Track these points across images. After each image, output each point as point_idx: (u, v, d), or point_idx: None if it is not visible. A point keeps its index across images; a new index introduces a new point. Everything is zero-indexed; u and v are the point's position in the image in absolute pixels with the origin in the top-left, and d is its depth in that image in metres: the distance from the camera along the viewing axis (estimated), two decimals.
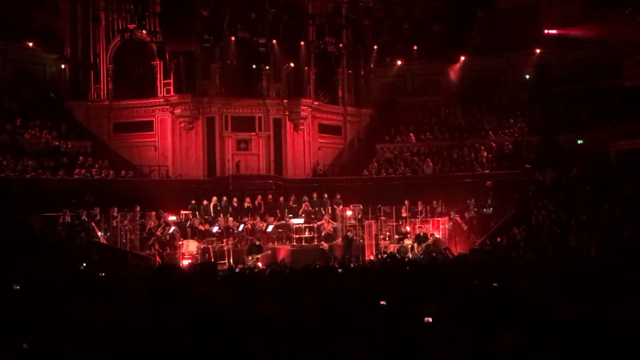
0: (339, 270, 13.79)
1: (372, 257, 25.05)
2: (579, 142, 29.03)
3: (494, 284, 10.48)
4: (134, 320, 4.44)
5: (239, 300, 5.34)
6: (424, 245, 25.15)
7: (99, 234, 23.65)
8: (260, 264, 22.65)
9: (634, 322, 5.70)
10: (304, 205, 27.86)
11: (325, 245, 25.57)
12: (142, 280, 9.22)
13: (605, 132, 27.93)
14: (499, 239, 24.16)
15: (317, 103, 34.01)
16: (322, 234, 26.30)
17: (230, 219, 26.77)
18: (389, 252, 23.89)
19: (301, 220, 26.87)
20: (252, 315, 4.85)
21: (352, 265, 18.52)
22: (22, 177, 24.98)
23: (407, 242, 25.81)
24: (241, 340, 3.78)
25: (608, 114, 28.99)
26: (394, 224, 27.22)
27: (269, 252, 24.72)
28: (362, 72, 36.18)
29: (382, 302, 7.24)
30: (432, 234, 26.30)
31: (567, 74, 33.87)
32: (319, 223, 27.00)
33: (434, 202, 27.71)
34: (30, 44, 31.39)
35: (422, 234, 25.77)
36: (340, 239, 26.40)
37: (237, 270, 18.19)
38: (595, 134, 28.42)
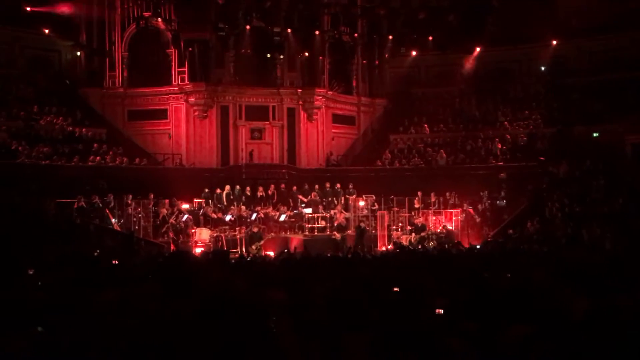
0: (351, 260, 13.80)
1: (384, 248, 25.07)
2: (594, 134, 28.84)
3: (507, 275, 10.46)
4: (147, 305, 4.47)
5: (252, 287, 5.36)
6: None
7: (113, 220, 23.79)
8: (272, 253, 22.74)
9: None
10: (312, 195, 27.89)
11: (337, 235, 25.61)
12: (155, 266, 9.27)
13: (620, 124, 27.73)
14: (510, 231, 24.09)
15: (331, 93, 33.96)
16: (335, 224, 26.33)
17: (243, 207, 26.84)
18: (397, 242, 24.02)
19: (309, 210, 26.92)
20: (264, 302, 4.88)
21: (362, 255, 18.52)
22: (37, 164, 25.15)
23: (426, 231, 25.88)
24: (256, 325, 3.81)
25: (623, 106, 28.76)
26: (407, 214, 27.21)
27: (270, 236, 24.83)
28: (377, 62, 36.05)
29: (395, 289, 7.24)
30: (444, 226, 26.29)
31: (583, 66, 33.60)
32: (332, 212, 27.03)
33: (447, 194, 27.65)
34: (46, 31, 31.50)
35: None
36: (352, 229, 26.41)
37: (248, 258, 18.31)
38: (610, 126, 28.23)
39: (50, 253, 12.60)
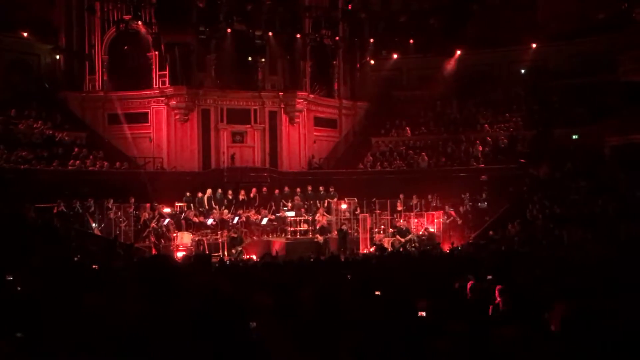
0: (333, 262, 13.81)
1: (366, 250, 25.11)
2: (574, 137, 29.11)
3: (488, 277, 10.53)
4: (129, 308, 4.43)
5: (236, 291, 5.34)
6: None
7: (94, 225, 23.60)
8: (254, 257, 22.69)
9: (628, 316, 5.72)
10: (294, 198, 27.87)
11: (319, 238, 25.61)
12: (135, 270, 9.21)
13: (600, 127, 28.00)
14: (491, 233, 24.24)
15: (312, 96, 33.96)
16: (317, 227, 26.33)
17: (225, 211, 26.76)
18: (378, 245, 24.09)
19: (292, 214, 26.89)
20: (249, 306, 4.86)
21: (343, 258, 18.54)
22: (16, 168, 24.86)
23: (409, 235, 25.91)
24: (241, 328, 3.79)
25: (603, 109, 29.04)
26: (389, 217, 27.26)
27: (250, 240, 24.77)
28: (358, 66, 36.09)
29: (377, 293, 7.25)
30: (426, 228, 26.39)
31: (563, 69, 33.84)
32: (317, 217, 27.02)
33: (429, 196, 27.76)
34: (25, 34, 31.21)
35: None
36: (335, 232, 26.42)
37: (227, 262, 18.25)
38: (590, 129, 28.50)
39: (31, 258, 12.47)
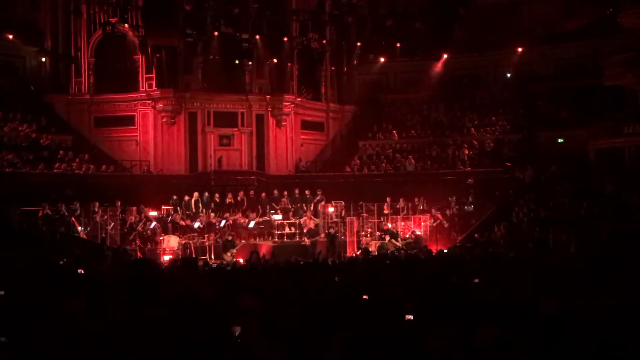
0: (321, 266, 13.81)
1: (353, 254, 25.09)
2: (560, 140, 29.31)
3: (475, 280, 10.56)
4: (112, 312, 4.43)
5: (219, 294, 5.32)
6: (398, 242, 25.45)
7: (79, 228, 23.46)
8: (241, 260, 22.60)
9: (610, 316, 5.76)
10: (282, 201, 27.86)
11: (307, 242, 25.60)
12: (121, 273, 9.18)
13: (585, 130, 28.21)
14: (476, 235, 24.33)
15: (299, 99, 33.98)
16: (304, 230, 26.31)
17: (212, 214, 26.69)
18: (364, 248, 24.05)
19: (279, 217, 26.85)
20: (233, 309, 4.85)
21: (330, 262, 18.53)
22: (1, 171, 24.73)
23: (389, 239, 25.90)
24: (221, 332, 3.79)
25: (588, 112, 29.29)
26: (376, 220, 27.28)
27: (242, 242, 24.69)
28: (345, 69, 36.13)
29: (364, 297, 7.26)
30: (413, 231, 26.44)
31: (549, 73, 34.11)
32: (302, 220, 27.01)
33: (416, 199, 27.80)
34: (10, 37, 31.04)
35: (395, 230, 26.04)
36: (323, 235, 26.40)
37: (213, 265, 18.18)
38: (575, 132, 28.71)
39: (17, 261, 12.39)
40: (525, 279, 10.66)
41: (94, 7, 31.04)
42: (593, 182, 25.22)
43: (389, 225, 26.79)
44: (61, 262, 15.32)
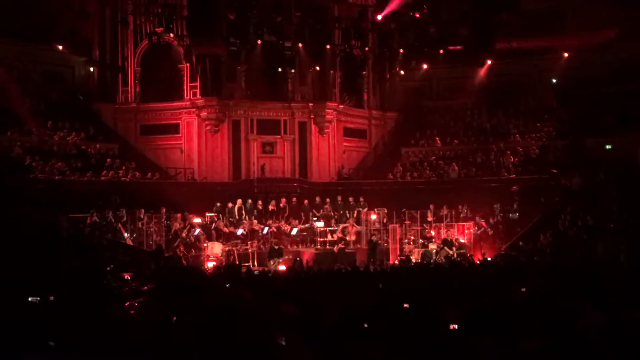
0: (362, 273, 13.79)
1: (396, 262, 24.98)
2: (607, 146, 28.69)
3: (522, 289, 10.40)
4: (155, 318, 4.50)
5: (261, 302, 5.36)
6: (448, 249, 25.12)
7: (126, 235, 23.86)
8: (283, 267, 22.69)
9: None
10: (324, 208, 27.89)
11: (349, 249, 25.57)
12: (163, 279, 9.29)
13: (633, 136, 27.57)
14: (521, 243, 23.98)
15: (342, 106, 34.02)
16: (347, 238, 26.31)
17: (255, 221, 26.87)
18: (406, 255, 23.93)
19: (321, 224, 26.88)
20: (275, 316, 4.88)
21: (372, 269, 18.51)
22: (51, 179, 25.25)
23: (432, 246, 25.68)
24: (263, 340, 3.81)
25: (636, 118, 28.60)
26: (419, 228, 27.12)
27: (289, 256, 24.70)
28: (388, 76, 36.08)
29: (405, 305, 7.21)
30: (456, 239, 26.19)
31: (595, 78, 33.39)
32: (342, 226, 27.01)
33: (459, 207, 27.55)
34: (59, 47, 31.84)
35: (450, 239, 25.73)
36: (364, 243, 26.36)
37: (256, 272, 18.29)
38: (623, 138, 28.08)
39: (62, 267, 12.66)
40: (572, 289, 10.47)
41: (141, 17, 31.61)
42: None
43: (432, 233, 26.56)
44: (108, 269, 15.63)
